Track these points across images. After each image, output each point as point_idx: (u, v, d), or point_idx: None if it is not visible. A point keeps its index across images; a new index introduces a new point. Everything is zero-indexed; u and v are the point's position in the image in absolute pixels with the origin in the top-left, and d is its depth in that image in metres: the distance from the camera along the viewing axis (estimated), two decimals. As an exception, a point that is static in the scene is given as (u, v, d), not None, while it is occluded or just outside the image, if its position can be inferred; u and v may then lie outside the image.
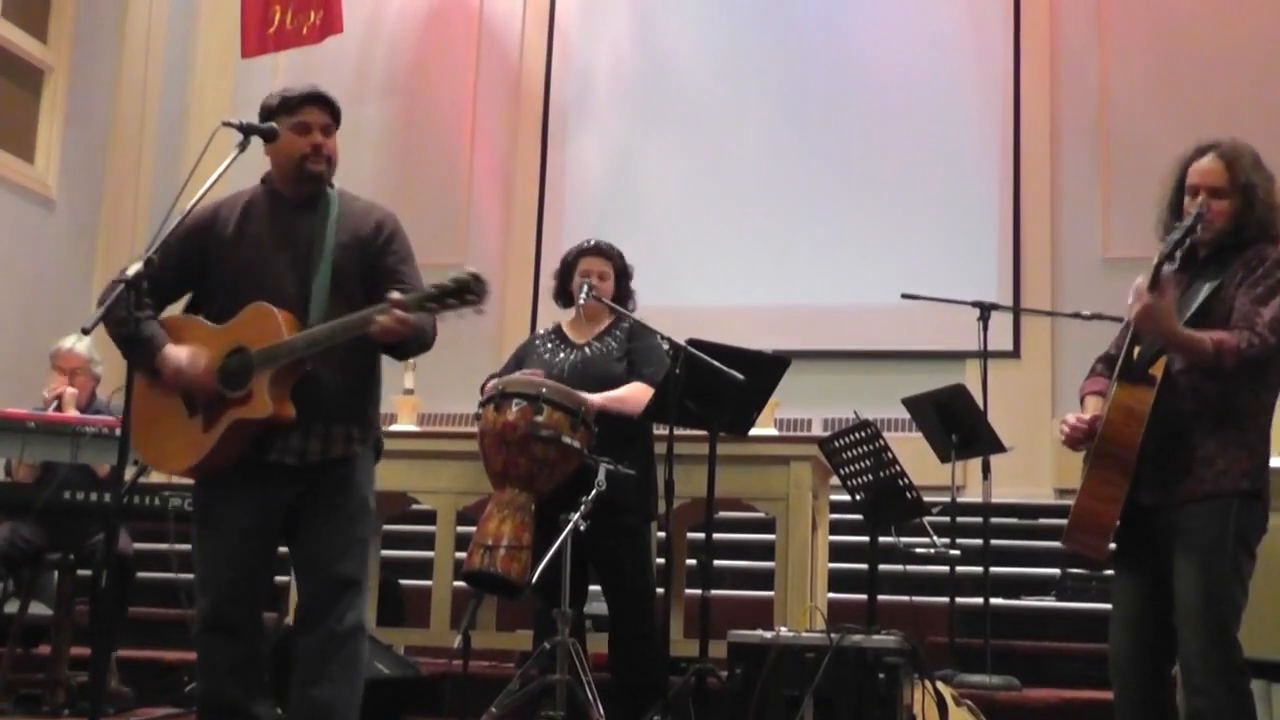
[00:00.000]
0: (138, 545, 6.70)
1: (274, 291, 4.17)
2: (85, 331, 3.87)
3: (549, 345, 5.76)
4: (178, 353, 4.15)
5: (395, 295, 4.00)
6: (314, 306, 4.17)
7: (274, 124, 4.26)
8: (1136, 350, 4.06)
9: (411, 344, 4.22)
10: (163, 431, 4.22)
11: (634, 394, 5.47)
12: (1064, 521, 4.14)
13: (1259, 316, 3.93)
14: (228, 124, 4.22)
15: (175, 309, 4.45)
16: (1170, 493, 4.00)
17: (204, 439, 4.14)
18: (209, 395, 4.13)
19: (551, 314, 6.06)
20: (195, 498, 4.33)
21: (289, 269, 4.23)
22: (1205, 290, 4.04)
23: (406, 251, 4.39)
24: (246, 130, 4.20)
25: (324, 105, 4.34)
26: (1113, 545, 4.17)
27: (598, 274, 5.70)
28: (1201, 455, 3.98)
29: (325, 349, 4.08)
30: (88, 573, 6.28)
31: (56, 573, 6.39)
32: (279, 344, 4.07)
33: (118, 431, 4.62)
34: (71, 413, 6.30)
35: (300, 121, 4.29)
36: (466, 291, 3.94)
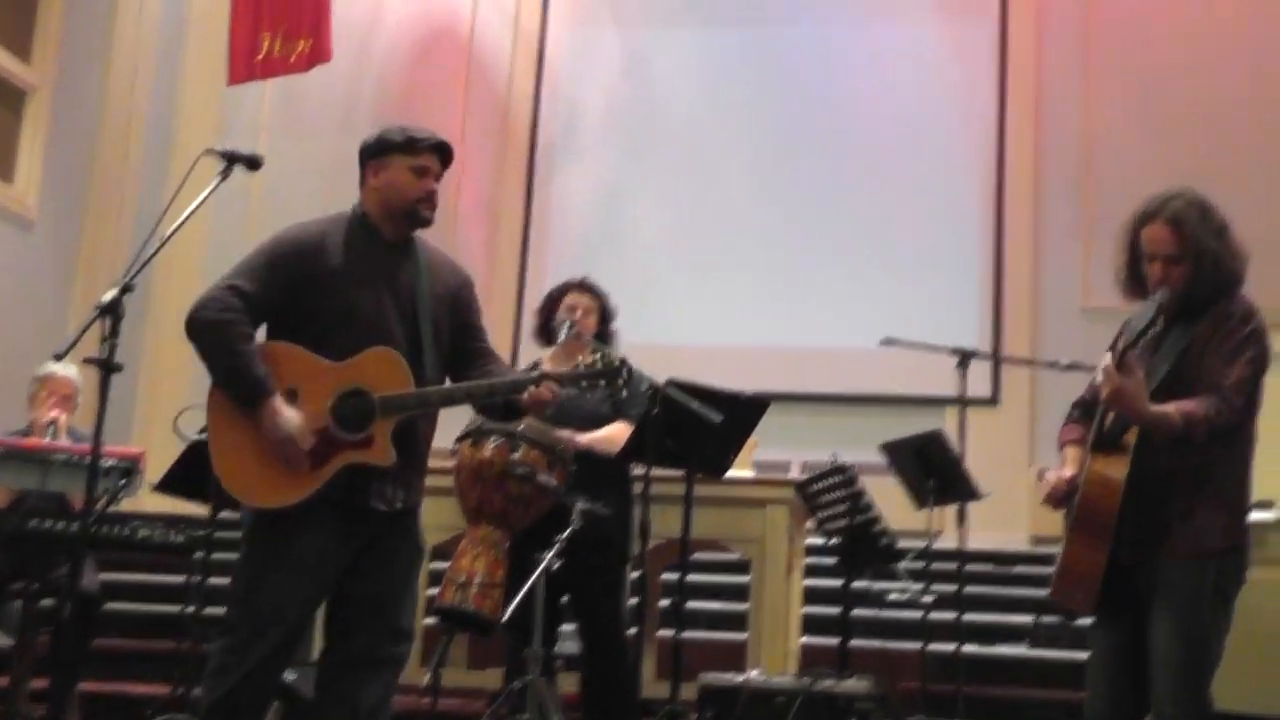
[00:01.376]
0: (107, 576, 6.63)
1: (385, 335, 4.12)
2: (58, 357, 3.82)
3: (529, 383, 5.73)
4: (289, 416, 4.00)
5: (549, 368, 4.22)
6: (428, 361, 4.16)
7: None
8: (1109, 419, 4.07)
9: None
10: (257, 463, 4.03)
11: (618, 433, 5.46)
12: (1039, 569, 4.17)
13: (1225, 379, 3.95)
14: (211, 151, 4.19)
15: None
16: (1150, 552, 4.01)
17: (310, 477, 4.01)
18: (299, 456, 4.01)
19: (535, 348, 6.03)
20: (264, 526, 4.09)
21: (395, 315, 4.18)
22: (1176, 350, 4.06)
23: (481, 310, 4.48)
24: (231, 158, 4.17)
25: (444, 156, 4.36)
26: None
27: (582, 309, 5.69)
28: (1179, 514, 3.99)
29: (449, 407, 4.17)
30: (51, 603, 6.17)
31: (20, 602, 6.27)
32: (408, 394, 4.05)
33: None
34: (64, 439, 6.17)
35: (421, 165, 4.27)
36: (615, 376, 4.18)
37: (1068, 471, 4.22)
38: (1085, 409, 4.35)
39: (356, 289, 4.15)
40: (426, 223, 4.31)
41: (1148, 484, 4.00)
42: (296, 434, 3.98)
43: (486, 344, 4.39)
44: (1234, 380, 3.95)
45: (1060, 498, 4.18)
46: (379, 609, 4.13)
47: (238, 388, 4.01)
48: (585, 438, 5.38)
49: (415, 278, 4.25)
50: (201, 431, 5.56)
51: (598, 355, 5.68)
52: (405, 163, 4.25)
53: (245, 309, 4.03)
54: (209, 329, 4.02)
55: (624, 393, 4.39)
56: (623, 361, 4.18)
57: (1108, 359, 3.95)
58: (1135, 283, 4.21)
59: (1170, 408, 3.92)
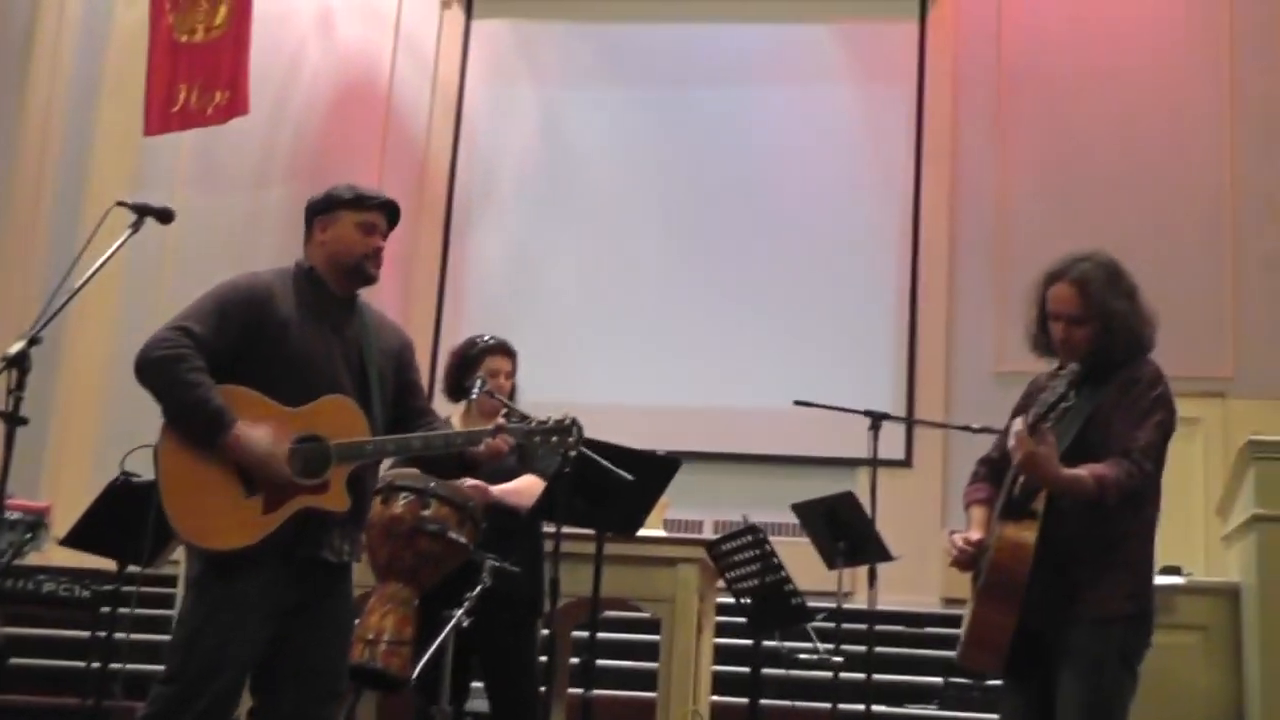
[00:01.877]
0: (12, 630, 6.53)
1: (336, 384, 4.15)
2: None
3: (439, 439, 5.72)
4: (259, 437, 3.99)
5: (503, 421, 4.24)
6: (375, 413, 4.18)
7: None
8: (1018, 484, 4.08)
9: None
10: (211, 505, 4.00)
11: (528, 487, 5.45)
12: (950, 630, 4.19)
13: (1134, 443, 3.99)
14: (122, 204, 4.18)
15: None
16: (1056, 618, 4.03)
17: (264, 520, 3.98)
18: (278, 481, 4.01)
19: (446, 403, 6.02)
20: (212, 572, 4.04)
21: (345, 368, 4.20)
22: (1082, 416, 4.08)
23: (419, 368, 4.54)
24: (141, 211, 4.15)
25: (392, 216, 4.38)
26: None
27: (504, 374, 5.68)
28: (1086, 581, 4.02)
29: (402, 457, 4.23)
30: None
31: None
32: (366, 441, 4.08)
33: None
34: None
35: (368, 221, 4.29)
36: (566, 434, 4.28)
37: (975, 534, 4.23)
38: (991, 467, 4.39)
39: (307, 338, 4.16)
40: (372, 279, 4.32)
41: (1056, 550, 4.02)
42: (273, 452, 3.99)
43: (426, 403, 4.45)
44: (1143, 444, 3.99)
45: (968, 562, 4.19)
46: (310, 669, 4.10)
47: (195, 421, 3.98)
48: (496, 490, 5.37)
49: (362, 332, 4.28)
50: (130, 476, 5.51)
51: (512, 416, 5.70)
52: (353, 219, 4.28)
53: (195, 348, 4.00)
54: (160, 366, 3.97)
55: (571, 452, 4.43)
56: (573, 420, 4.27)
57: (1019, 423, 3.99)
58: (1045, 339, 4.24)
59: (1083, 471, 3.96)
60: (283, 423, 4.06)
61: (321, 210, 4.32)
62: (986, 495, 4.33)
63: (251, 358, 4.12)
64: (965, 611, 4.25)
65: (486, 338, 5.78)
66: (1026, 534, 4.03)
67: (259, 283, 4.21)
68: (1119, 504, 3.96)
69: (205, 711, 3.93)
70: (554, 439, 4.28)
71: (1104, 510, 3.98)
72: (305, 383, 4.10)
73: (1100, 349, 4.11)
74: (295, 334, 4.15)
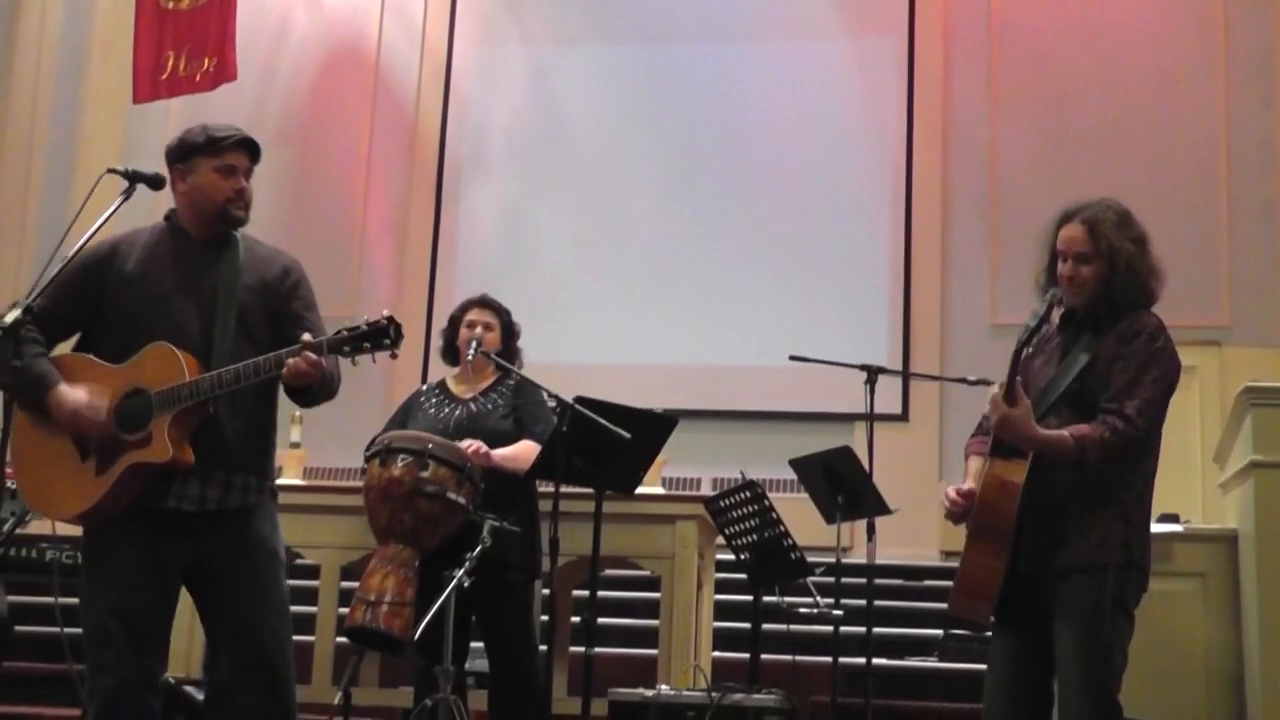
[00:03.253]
0: (16, 599, 6.56)
1: (176, 333, 4.05)
2: None
3: (433, 400, 5.74)
4: (74, 394, 3.97)
5: (307, 337, 3.95)
6: (218, 349, 4.06)
7: (160, 172, 4.19)
8: None
9: (320, 390, 4.11)
10: (50, 474, 4.05)
11: (525, 452, 5.47)
12: (948, 583, 4.20)
13: (1128, 400, 3.98)
14: (113, 171, 4.17)
15: (64, 346, 4.31)
16: (1048, 564, 4.05)
17: (97, 483, 3.98)
18: (105, 438, 3.98)
19: (444, 368, 6.05)
20: (86, 548, 4.11)
21: (193, 310, 4.11)
22: (1080, 363, 4.09)
23: (312, 298, 4.32)
24: (133, 178, 4.14)
25: (252, 151, 4.27)
26: None
27: (483, 324, 5.70)
28: (1077, 528, 4.03)
29: (231, 392, 3.99)
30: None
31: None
32: (181, 385, 3.95)
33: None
34: None
35: (226, 164, 4.19)
36: (382, 335, 3.93)
37: (967, 484, 4.24)
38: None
39: (149, 291, 4.11)
40: (240, 222, 4.23)
41: (1048, 496, 4.05)
42: (85, 405, 3.95)
43: (312, 330, 4.16)
44: (1140, 401, 3.98)
45: (961, 514, 4.19)
46: (234, 627, 4.08)
47: (23, 391, 4.00)
48: (496, 454, 5.40)
49: (222, 273, 4.16)
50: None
51: (506, 374, 5.73)
52: (210, 164, 4.18)
53: (33, 323, 3.96)
54: None
55: (393, 354, 3.97)
56: (390, 319, 3.94)
57: (996, 389, 4.02)
58: (1051, 283, 4.24)
59: (1064, 431, 3.97)
60: (108, 380, 4.04)
61: (177, 159, 4.22)
62: (985, 447, 4.29)
63: (98, 318, 4.14)
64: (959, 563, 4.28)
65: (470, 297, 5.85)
66: (1015, 472, 4.04)
67: (103, 244, 4.19)
68: (1102, 463, 3.97)
69: (116, 685, 3.94)
70: (365, 344, 3.94)
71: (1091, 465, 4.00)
72: (147, 336, 4.04)
73: (1105, 290, 4.11)
74: (138, 289, 4.12)
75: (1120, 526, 4.04)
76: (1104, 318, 4.13)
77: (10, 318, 3.81)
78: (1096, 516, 4.04)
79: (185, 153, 4.21)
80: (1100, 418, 3.98)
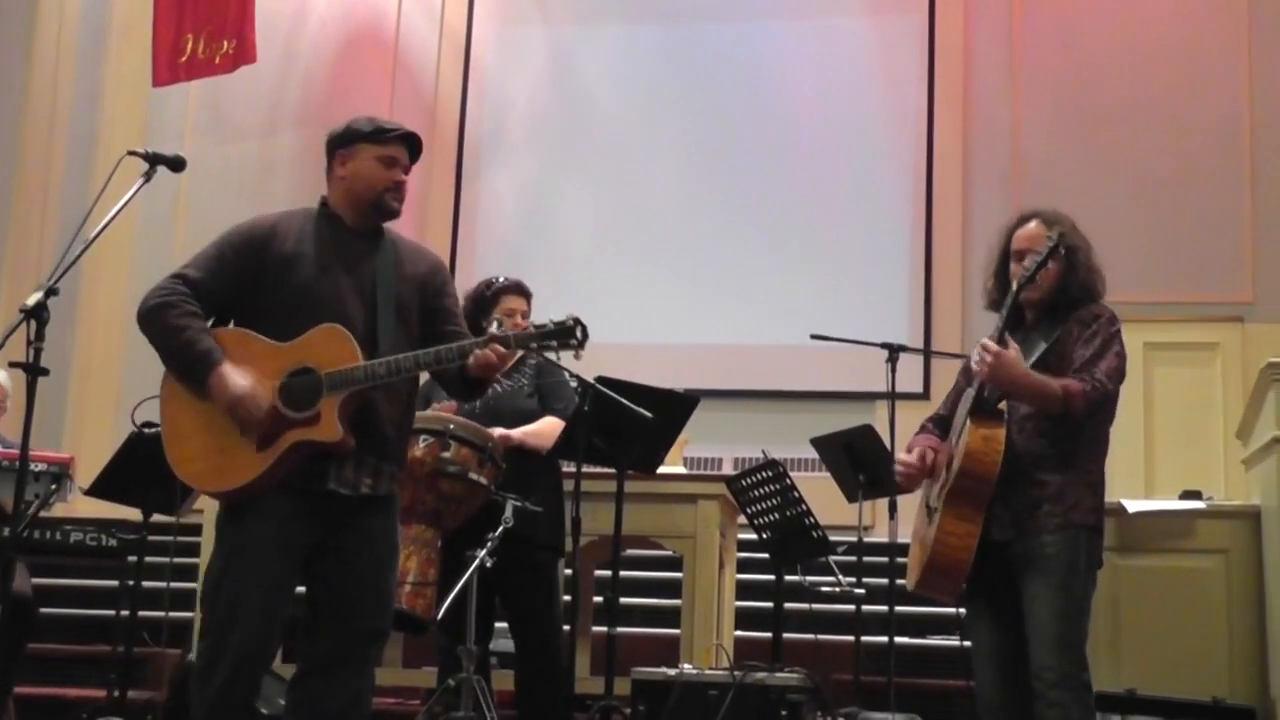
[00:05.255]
0: (41, 580, 6.60)
1: (341, 317, 4.08)
2: None
3: (457, 382, 5.75)
4: (237, 380, 3.97)
5: (495, 330, 4.07)
6: (383, 337, 4.11)
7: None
8: (987, 389, 4.27)
9: (492, 383, 4.24)
10: (208, 447, 4.02)
11: (548, 428, 5.49)
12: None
13: (1097, 367, 4.20)
14: (134, 153, 4.19)
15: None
16: (1023, 527, 4.22)
17: (258, 458, 3.97)
18: (266, 426, 3.97)
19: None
20: (226, 521, 4.08)
21: (355, 297, 4.14)
22: (1042, 346, 4.29)
23: (456, 295, 4.46)
24: (153, 160, 4.17)
25: (412, 148, 4.33)
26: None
27: (520, 313, 5.69)
28: (1051, 492, 4.22)
29: (400, 378, 4.06)
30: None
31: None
32: (354, 368, 3.98)
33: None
34: None
35: (389, 155, 4.24)
36: (569, 335, 4.02)
37: (913, 454, 4.48)
38: (939, 422, 4.60)
39: (311, 274, 4.13)
40: (394, 213, 4.29)
41: (1020, 460, 4.22)
42: (249, 392, 3.95)
43: (461, 327, 4.35)
44: (1106, 368, 4.21)
45: (916, 476, 4.45)
46: (349, 610, 4.09)
47: (184, 363, 4.00)
48: (517, 433, 5.41)
49: (379, 262, 4.22)
50: (147, 426, 5.56)
51: (527, 354, 5.73)
52: (372, 152, 4.24)
53: (191, 294, 4.02)
54: (153, 313, 4.01)
55: (577, 354, 4.10)
56: (576, 320, 4.06)
57: (985, 340, 4.22)
58: (999, 294, 4.46)
59: (1051, 379, 4.17)
60: (273, 358, 4.04)
61: (340, 144, 4.29)
62: (934, 440, 4.54)
63: (255, 298, 4.13)
64: (911, 548, 4.47)
65: (501, 279, 5.80)
66: (996, 431, 4.21)
67: (263, 223, 4.22)
68: (1083, 416, 4.17)
69: (242, 655, 3.94)
70: (551, 342, 4.05)
71: (1065, 426, 4.20)
72: (309, 318, 4.07)
73: (1062, 285, 4.34)
74: (299, 271, 4.13)
75: (1089, 494, 4.25)
76: (1059, 310, 4.36)
77: (33, 300, 3.83)
78: (1068, 482, 4.23)
79: (350, 139, 4.28)
80: (1077, 376, 4.19)
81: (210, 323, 4.12)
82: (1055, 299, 4.36)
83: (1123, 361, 4.28)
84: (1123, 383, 4.30)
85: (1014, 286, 4.27)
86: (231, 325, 4.16)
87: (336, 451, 4.02)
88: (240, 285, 4.13)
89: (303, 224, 4.25)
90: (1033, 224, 4.43)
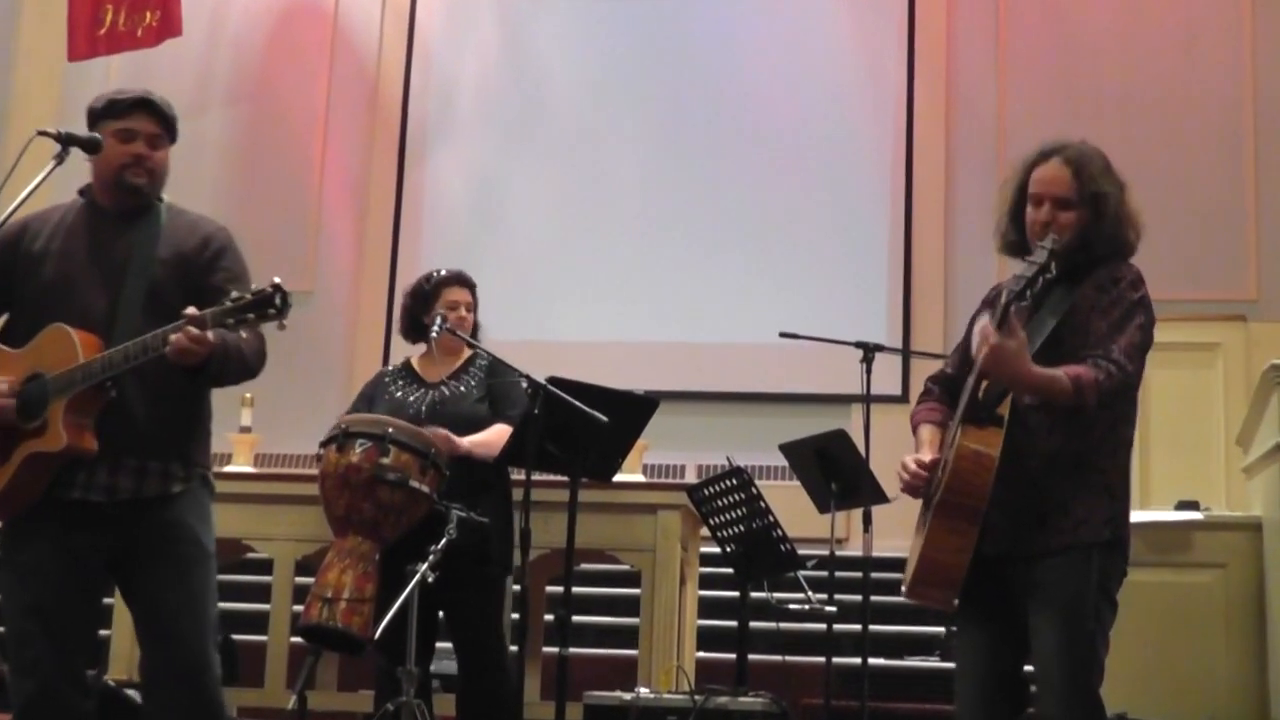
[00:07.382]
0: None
1: (81, 312, 4.07)
2: None
3: (399, 383, 5.73)
4: None
5: (191, 311, 3.89)
6: (120, 327, 4.04)
7: (97, 134, 4.18)
8: (983, 388, 3.94)
9: (226, 368, 4.07)
10: None
11: (498, 437, 5.47)
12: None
13: (1114, 344, 3.88)
14: (44, 133, 4.15)
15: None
16: (1023, 544, 3.95)
17: (1, 475, 4.02)
18: (8, 427, 4.01)
19: (406, 347, 6.03)
20: (1, 545, 4.16)
21: (100, 287, 4.12)
22: (1056, 314, 3.97)
23: (239, 269, 4.28)
24: (65, 140, 4.12)
25: (154, 113, 4.23)
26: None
27: (465, 305, 5.69)
28: (1057, 503, 3.92)
29: (139, 373, 3.98)
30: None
31: None
32: (74, 368, 3.95)
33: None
34: None
35: (125, 128, 4.18)
36: (267, 305, 3.84)
37: (927, 455, 4.11)
38: (945, 384, 4.30)
39: (55, 269, 4.16)
40: (137, 190, 4.22)
41: (1023, 466, 3.91)
42: None
43: None
44: (1124, 345, 3.87)
45: (922, 485, 4.07)
46: (153, 621, 4.14)
47: None
48: (465, 441, 5.40)
49: (134, 246, 4.18)
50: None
51: (476, 354, 5.73)
52: (110, 128, 4.19)
53: None
54: None
55: (280, 325, 3.84)
56: (276, 286, 3.83)
57: (985, 320, 3.91)
58: (1016, 236, 4.15)
59: (1057, 370, 3.82)
60: (9, 366, 4.08)
61: (88, 127, 4.23)
62: (939, 415, 4.23)
63: (15, 300, 4.21)
64: (912, 543, 4.13)
65: (441, 271, 5.81)
66: (991, 441, 3.89)
67: (14, 225, 4.21)
68: (1098, 408, 3.85)
69: (38, 688, 4.00)
70: (249, 315, 3.84)
71: (1078, 420, 3.89)
72: (51, 318, 4.07)
73: (1086, 239, 4.01)
74: (45, 269, 4.17)
75: (1105, 501, 3.94)
76: (1079, 269, 4.02)
77: None
78: (1079, 490, 3.92)
79: (91, 119, 4.23)
80: (1090, 360, 3.86)
81: None
82: (1076, 256, 3.98)
83: (1147, 335, 3.94)
84: (1147, 354, 3.96)
85: (1012, 291, 3.82)
86: (7, 334, 4.22)
87: (79, 458, 4.01)
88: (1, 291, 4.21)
89: (60, 218, 4.27)
90: (1054, 162, 4.09)
